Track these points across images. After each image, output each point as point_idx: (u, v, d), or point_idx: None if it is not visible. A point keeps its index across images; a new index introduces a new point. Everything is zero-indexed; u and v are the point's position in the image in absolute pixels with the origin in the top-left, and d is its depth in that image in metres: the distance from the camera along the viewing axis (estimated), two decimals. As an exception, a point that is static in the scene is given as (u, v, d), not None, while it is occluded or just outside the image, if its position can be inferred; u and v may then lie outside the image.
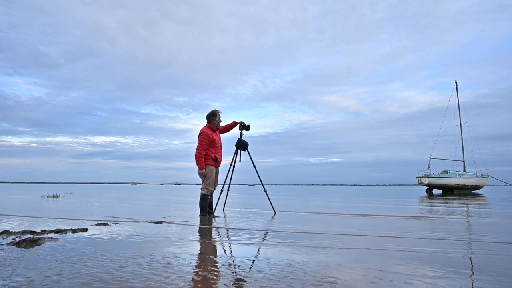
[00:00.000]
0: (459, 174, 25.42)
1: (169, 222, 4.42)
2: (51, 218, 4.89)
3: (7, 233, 3.25)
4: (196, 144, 5.26)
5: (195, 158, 5.06)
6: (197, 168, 5.15)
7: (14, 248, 2.56)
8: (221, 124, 5.42)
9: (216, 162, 5.19)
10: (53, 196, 11.86)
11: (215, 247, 2.75)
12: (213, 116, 5.23)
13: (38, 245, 2.66)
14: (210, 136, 5.07)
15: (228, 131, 5.59)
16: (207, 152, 5.09)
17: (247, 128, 5.75)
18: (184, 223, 4.39)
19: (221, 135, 5.49)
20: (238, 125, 5.72)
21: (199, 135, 5.09)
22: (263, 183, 6.12)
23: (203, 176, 5.09)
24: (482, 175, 26.14)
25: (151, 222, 4.37)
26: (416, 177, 25.36)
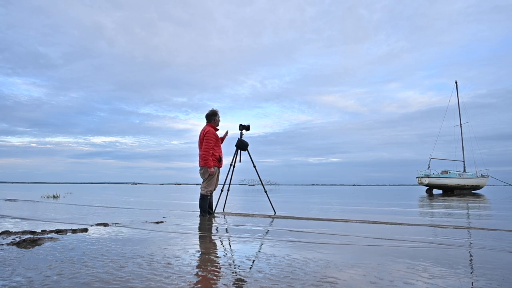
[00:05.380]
0: (459, 174, 25.40)
1: (169, 222, 4.42)
2: (51, 218, 4.89)
3: (7, 233, 3.25)
4: (197, 144, 5.27)
5: (203, 157, 5.03)
6: (199, 168, 5.15)
7: (14, 248, 2.56)
8: (222, 127, 5.43)
9: (220, 162, 5.21)
10: (53, 196, 11.86)
11: (215, 247, 2.75)
12: (214, 116, 5.24)
13: (38, 245, 2.66)
14: (216, 134, 5.11)
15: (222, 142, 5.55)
16: (213, 151, 5.09)
17: (247, 128, 5.75)
18: (184, 223, 4.39)
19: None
20: (239, 125, 5.75)
21: (205, 133, 5.05)
22: (263, 183, 6.12)
23: (209, 175, 5.08)
24: (482, 175, 26.13)
25: (151, 222, 4.37)
26: (416, 177, 25.35)
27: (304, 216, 5.33)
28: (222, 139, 5.48)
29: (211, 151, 5.05)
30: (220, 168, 5.36)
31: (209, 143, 5.02)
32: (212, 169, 5.04)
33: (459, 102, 27.71)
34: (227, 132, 5.52)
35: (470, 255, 2.45)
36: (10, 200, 9.49)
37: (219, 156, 5.18)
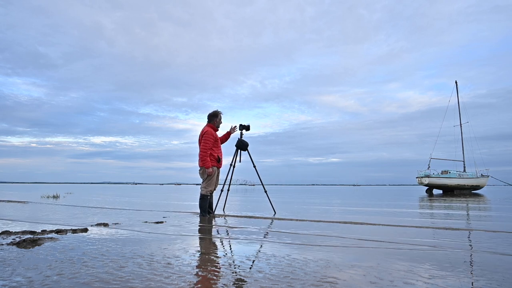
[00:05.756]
0: (459, 174, 25.40)
1: (169, 222, 4.42)
2: (51, 218, 4.89)
3: (7, 233, 3.25)
4: (197, 144, 5.27)
5: (201, 157, 5.05)
6: (198, 168, 5.15)
7: (14, 248, 2.56)
8: (222, 127, 5.41)
9: (219, 162, 5.20)
10: (53, 197, 11.86)
11: (215, 247, 2.75)
12: (214, 117, 5.23)
13: (38, 245, 2.66)
14: (214, 135, 5.09)
15: (224, 140, 5.55)
16: (211, 152, 5.09)
17: (247, 128, 5.75)
18: (184, 223, 4.39)
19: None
20: (239, 125, 5.75)
21: (203, 134, 5.07)
22: (263, 183, 6.12)
23: (208, 175, 5.08)
24: (482, 175, 26.12)
25: (151, 223, 4.37)
26: (416, 177, 25.35)
27: (304, 218, 5.33)
28: (229, 133, 5.51)
29: (209, 151, 5.05)
30: (220, 168, 5.35)
31: (207, 143, 5.02)
32: (210, 169, 5.04)
33: (459, 102, 27.74)
34: (234, 127, 5.54)
35: (470, 257, 2.45)
36: (8, 201, 9.49)
37: (218, 156, 5.17)
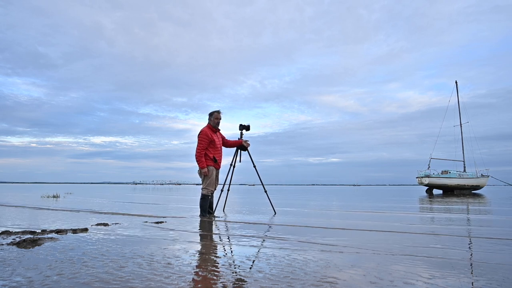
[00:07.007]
0: (459, 174, 25.39)
1: (169, 222, 4.41)
2: (51, 218, 4.89)
3: (7, 233, 3.25)
4: (196, 144, 5.27)
5: (195, 158, 5.06)
6: (197, 168, 5.14)
7: (14, 248, 2.56)
8: (222, 127, 5.42)
9: (215, 163, 5.17)
10: (54, 196, 11.86)
11: (215, 247, 2.75)
12: (210, 116, 5.24)
13: (38, 245, 2.66)
14: (209, 136, 5.06)
15: (232, 146, 5.64)
16: (206, 152, 5.09)
17: (247, 128, 5.76)
18: (184, 223, 4.39)
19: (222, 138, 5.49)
20: (239, 125, 5.76)
21: (198, 134, 5.09)
22: (263, 183, 6.12)
23: (204, 175, 5.08)
24: (482, 175, 26.11)
25: (151, 223, 4.37)
26: (416, 177, 25.35)
27: (305, 224, 5.34)
28: (239, 143, 5.59)
29: (203, 152, 5.05)
30: (219, 169, 5.34)
31: (201, 144, 5.03)
32: (205, 169, 5.04)
33: (459, 102, 27.73)
34: (247, 143, 5.64)
35: (471, 264, 2.45)
36: (4, 205, 9.49)
37: (213, 156, 5.15)
